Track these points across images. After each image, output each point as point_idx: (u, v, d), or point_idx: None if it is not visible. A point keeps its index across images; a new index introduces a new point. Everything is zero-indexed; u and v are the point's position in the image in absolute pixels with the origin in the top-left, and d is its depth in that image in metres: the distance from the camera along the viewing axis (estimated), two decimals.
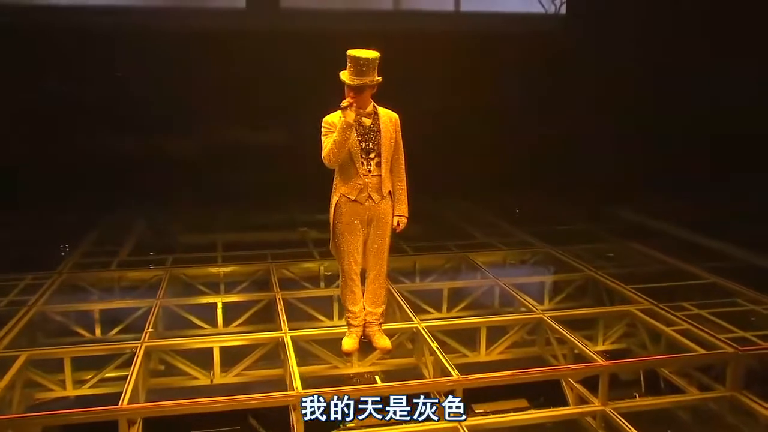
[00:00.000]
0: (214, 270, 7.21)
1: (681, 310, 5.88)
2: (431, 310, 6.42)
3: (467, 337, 5.80)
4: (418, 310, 6.17)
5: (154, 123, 11.33)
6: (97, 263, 7.52)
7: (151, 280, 6.92)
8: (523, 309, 6.13)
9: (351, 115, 4.40)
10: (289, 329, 5.45)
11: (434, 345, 5.11)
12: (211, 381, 5.26)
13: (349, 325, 5.13)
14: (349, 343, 5.04)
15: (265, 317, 6.16)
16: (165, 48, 11.40)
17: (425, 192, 10.95)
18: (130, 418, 4.19)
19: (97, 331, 6.07)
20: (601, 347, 5.88)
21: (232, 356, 5.45)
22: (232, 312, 6.31)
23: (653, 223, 9.39)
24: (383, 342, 5.03)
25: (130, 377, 4.56)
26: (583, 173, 11.48)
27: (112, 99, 11.42)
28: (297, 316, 6.23)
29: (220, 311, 6.26)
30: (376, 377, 4.87)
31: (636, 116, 11.65)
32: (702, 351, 5.13)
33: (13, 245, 8.10)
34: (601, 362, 4.79)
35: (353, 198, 4.66)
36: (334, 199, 4.72)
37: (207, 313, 6.25)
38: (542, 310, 5.98)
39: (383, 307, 5.02)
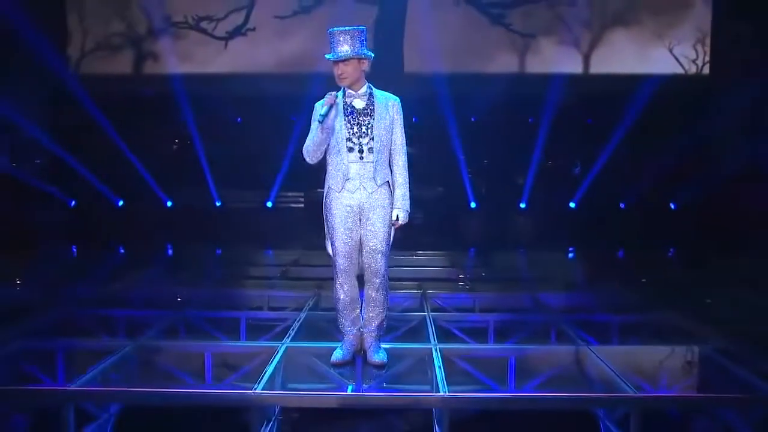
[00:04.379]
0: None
1: None
2: (469, 340, 5.60)
3: (500, 371, 4.94)
4: (451, 338, 5.42)
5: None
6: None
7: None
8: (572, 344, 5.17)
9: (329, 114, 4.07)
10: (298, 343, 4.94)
11: (438, 365, 4.36)
12: None
13: (342, 334, 4.61)
14: (339, 354, 4.52)
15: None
16: (284, 110, 12.04)
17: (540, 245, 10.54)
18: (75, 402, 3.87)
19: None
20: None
21: (232, 367, 5.04)
22: (257, 329, 5.93)
23: None
24: (378, 356, 4.45)
25: (95, 367, 4.30)
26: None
27: (239, 156, 12.38)
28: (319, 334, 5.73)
29: (243, 326, 5.92)
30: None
31: None
32: None
33: None
34: (631, 393, 3.76)
35: (344, 188, 4.24)
36: (326, 189, 4.35)
37: (230, 327, 5.92)
38: (590, 345, 4.99)
39: (382, 315, 4.45)
